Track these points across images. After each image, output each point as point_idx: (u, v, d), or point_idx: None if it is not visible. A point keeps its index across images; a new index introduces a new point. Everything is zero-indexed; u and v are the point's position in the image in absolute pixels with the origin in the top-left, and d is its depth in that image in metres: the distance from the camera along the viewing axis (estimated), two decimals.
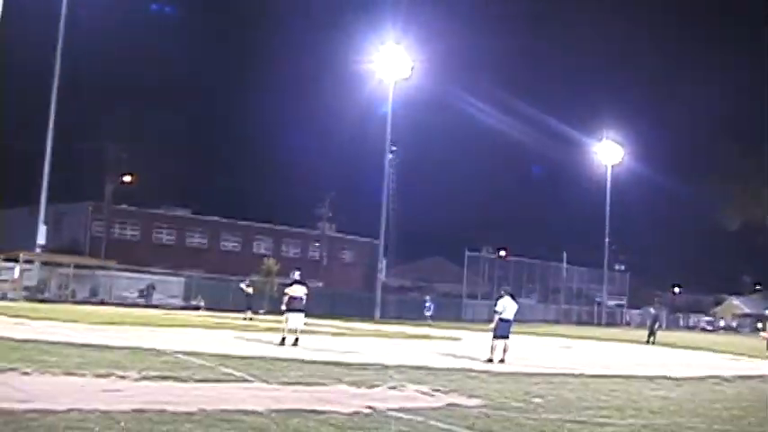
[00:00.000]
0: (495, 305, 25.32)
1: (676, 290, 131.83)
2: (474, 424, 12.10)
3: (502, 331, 24.44)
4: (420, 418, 12.23)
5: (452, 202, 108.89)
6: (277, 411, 11.87)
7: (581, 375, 21.91)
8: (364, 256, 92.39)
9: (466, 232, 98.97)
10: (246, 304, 45.54)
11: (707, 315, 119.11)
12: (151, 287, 61.05)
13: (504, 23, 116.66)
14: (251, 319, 43.53)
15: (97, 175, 76.47)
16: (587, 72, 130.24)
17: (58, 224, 74.64)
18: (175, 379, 14.84)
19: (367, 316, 67.63)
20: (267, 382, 15.51)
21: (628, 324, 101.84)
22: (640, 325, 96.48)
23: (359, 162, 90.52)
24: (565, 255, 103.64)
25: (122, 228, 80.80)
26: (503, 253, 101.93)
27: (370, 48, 74.30)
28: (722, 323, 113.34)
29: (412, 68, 75.07)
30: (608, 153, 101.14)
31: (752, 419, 15.20)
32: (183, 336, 27.61)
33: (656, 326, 49.19)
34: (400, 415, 12.44)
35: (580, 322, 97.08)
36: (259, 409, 11.89)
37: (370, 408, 12.92)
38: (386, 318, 67.99)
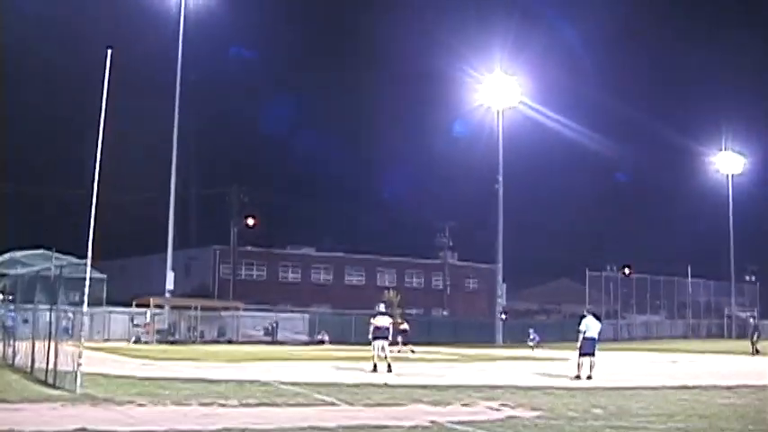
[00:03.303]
0: (579, 324, 26.68)
1: None
2: None
3: (587, 349, 25.88)
4: (474, 429, 13.98)
5: (572, 224, 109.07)
6: (345, 427, 13.83)
7: (661, 388, 23.20)
8: (487, 283, 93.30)
9: (589, 252, 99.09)
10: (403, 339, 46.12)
11: None
12: (275, 324, 63.48)
13: (611, 40, 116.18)
14: (412, 351, 44.15)
15: (223, 220, 79.86)
16: (702, 83, 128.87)
17: (188, 269, 78.21)
18: (270, 405, 16.93)
19: (489, 342, 68.78)
20: (352, 404, 17.46)
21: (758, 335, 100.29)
22: None
23: (474, 190, 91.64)
24: (689, 269, 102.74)
25: (248, 268, 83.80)
26: (626, 271, 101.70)
27: (478, 76, 75.58)
28: None
29: (519, 96, 76.21)
30: (728, 163, 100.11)
31: None
32: (291, 368, 29.70)
33: (756, 336, 49.66)
34: (457, 427, 14.23)
35: (709, 336, 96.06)
36: (331, 425, 13.86)
37: (432, 422, 14.73)
38: (509, 342, 68.74)
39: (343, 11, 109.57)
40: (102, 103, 19.06)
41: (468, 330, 74.00)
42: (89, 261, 18.93)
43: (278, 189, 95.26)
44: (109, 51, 18.85)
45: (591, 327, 26.24)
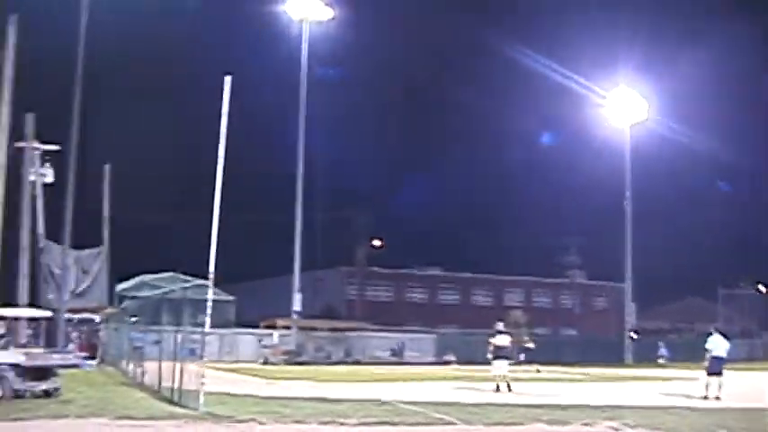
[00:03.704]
0: (706, 343, 26.14)
1: None
2: None
3: (714, 368, 25.35)
4: None
5: (706, 242, 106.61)
6: None
7: None
8: (616, 302, 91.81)
9: (725, 271, 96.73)
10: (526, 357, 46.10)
11: None
12: (401, 345, 63.67)
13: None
14: (538, 371, 44.11)
15: (350, 241, 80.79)
16: None
17: (316, 290, 79.07)
18: (389, 424, 17.06)
19: (618, 361, 67.73)
20: (470, 423, 17.47)
21: None
22: None
23: (602, 207, 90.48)
24: None
25: (375, 289, 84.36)
26: (762, 288, 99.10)
27: (603, 91, 74.76)
28: None
29: (647, 110, 75.03)
30: None
31: None
32: (414, 388, 29.79)
33: None
34: None
35: None
36: None
37: None
38: (640, 361, 67.56)
39: (470, 31, 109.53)
40: (220, 128, 19.55)
41: (597, 350, 72.79)
42: (211, 282, 19.39)
43: (405, 210, 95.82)
44: (228, 78, 19.33)
45: (718, 345, 25.71)
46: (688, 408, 22.00)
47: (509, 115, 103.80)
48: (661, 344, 69.67)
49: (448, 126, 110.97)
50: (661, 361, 63.85)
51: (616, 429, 16.65)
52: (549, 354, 61.35)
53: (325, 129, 73.36)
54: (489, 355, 28.59)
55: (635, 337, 76.27)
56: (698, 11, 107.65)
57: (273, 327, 59.01)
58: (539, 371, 43.37)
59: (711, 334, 26.33)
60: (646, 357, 68.32)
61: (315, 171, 68.61)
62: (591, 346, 75.01)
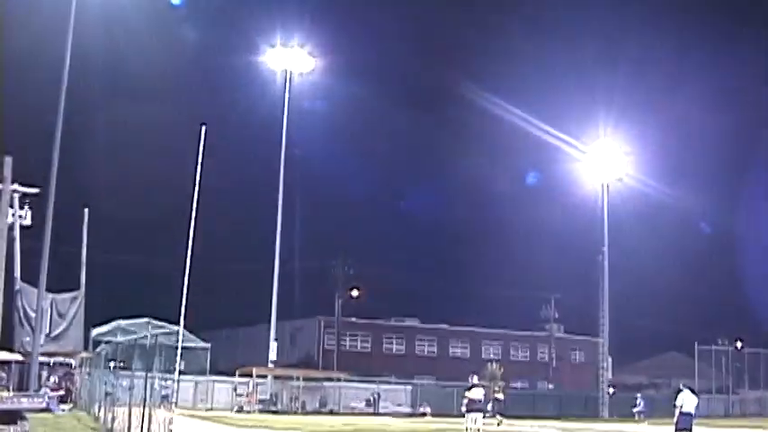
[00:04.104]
0: (675, 399, 26.33)
1: None
2: None
3: (684, 424, 25.54)
4: None
5: (683, 298, 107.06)
6: None
7: None
8: (593, 356, 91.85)
9: (698, 326, 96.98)
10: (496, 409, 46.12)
11: None
12: (377, 396, 63.60)
13: (712, 106, 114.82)
14: (499, 423, 44.18)
15: (327, 291, 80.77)
16: None
17: (294, 339, 79.07)
18: None
19: (595, 415, 67.80)
20: None
21: None
22: None
23: (580, 262, 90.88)
24: None
25: (353, 340, 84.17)
26: (738, 344, 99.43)
27: (582, 146, 75.22)
28: None
29: (625, 167, 75.55)
30: None
31: None
32: None
33: None
34: None
35: None
36: None
37: None
38: (617, 415, 67.56)
39: (441, 76, 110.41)
40: (195, 177, 19.77)
41: (573, 404, 73.03)
42: (181, 329, 19.51)
43: (382, 261, 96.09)
44: (203, 128, 19.58)
45: (687, 401, 25.91)
46: None
47: (487, 169, 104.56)
48: (639, 396, 69.62)
49: (426, 178, 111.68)
50: (637, 415, 63.69)
51: None
52: (525, 407, 61.56)
53: (304, 178, 73.78)
54: (463, 408, 28.85)
55: (612, 391, 76.35)
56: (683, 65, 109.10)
57: (249, 375, 58.95)
58: (500, 423, 43.46)
59: (681, 390, 26.51)
60: (622, 412, 68.35)
61: (294, 220, 69.04)
62: (567, 399, 75.25)
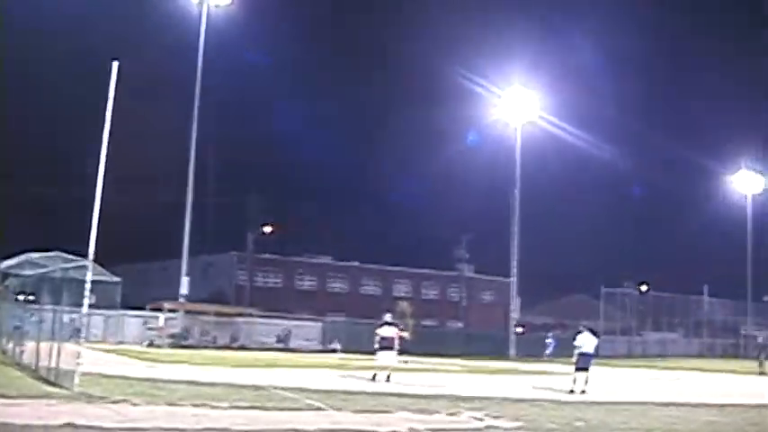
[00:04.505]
0: (575, 340, 27.17)
1: None
2: None
3: (582, 364, 26.38)
4: None
5: (589, 239, 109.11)
6: (325, 430, 14.38)
7: (652, 404, 23.60)
8: (503, 296, 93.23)
9: (606, 269, 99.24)
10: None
11: None
12: (288, 332, 64.14)
13: (631, 57, 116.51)
14: (405, 362, 44.73)
15: (241, 226, 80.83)
16: (721, 101, 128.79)
17: (206, 274, 78.99)
18: (260, 408, 17.50)
19: (503, 354, 69.03)
20: (340, 410, 17.99)
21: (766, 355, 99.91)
22: None
23: (492, 203, 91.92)
24: (706, 288, 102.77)
25: (265, 276, 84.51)
26: (643, 288, 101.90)
27: (498, 90, 75.92)
28: None
29: (537, 111, 76.43)
30: (747, 182, 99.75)
31: None
32: (293, 375, 30.26)
33: (764, 355, 49.81)
34: None
35: (725, 355, 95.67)
36: (312, 428, 14.43)
37: (410, 429, 15.26)
38: (523, 356, 68.85)
39: (360, 23, 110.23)
40: (106, 113, 19.72)
41: (483, 343, 74.17)
42: (90, 262, 19.57)
43: (296, 198, 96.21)
44: (115, 64, 19.49)
45: (586, 342, 26.73)
46: (555, 401, 22.90)
47: (403, 111, 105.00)
48: (550, 337, 71.02)
49: (344, 118, 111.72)
50: (547, 351, 65.12)
51: (479, 420, 17.31)
52: (434, 345, 62.47)
53: (220, 112, 73.33)
54: (375, 345, 29.23)
55: (519, 331, 77.78)
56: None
57: (160, 309, 58.95)
58: (406, 362, 44.15)
59: (581, 332, 27.33)
60: (530, 351, 69.80)
61: (208, 154, 68.68)
62: (476, 339, 76.44)
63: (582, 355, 26.50)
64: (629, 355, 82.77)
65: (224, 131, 78.99)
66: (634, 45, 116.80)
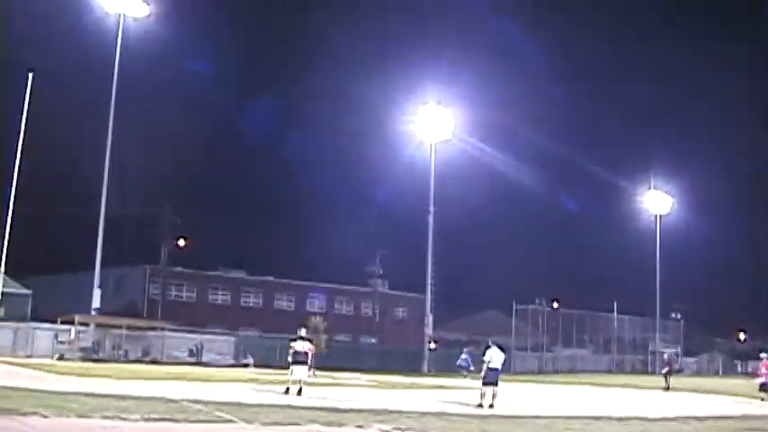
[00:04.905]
0: (484, 355, 27.72)
1: (741, 336, 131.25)
2: None
3: (490, 378, 26.92)
4: None
5: (506, 258, 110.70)
6: None
7: (556, 417, 24.25)
8: (417, 312, 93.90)
9: (522, 287, 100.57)
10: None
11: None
12: (200, 346, 63.90)
13: (544, 77, 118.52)
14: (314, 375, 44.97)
15: (155, 239, 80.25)
16: (633, 122, 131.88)
17: (119, 287, 78.28)
18: (170, 420, 17.64)
19: (415, 370, 69.43)
20: (250, 422, 18.22)
21: (680, 371, 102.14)
22: (696, 372, 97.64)
23: (407, 221, 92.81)
24: (615, 305, 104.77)
25: (179, 290, 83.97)
26: (554, 305, 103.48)
27: (412, 108, 76.63)
28: None
29: (453, 129, 77.31)
30: (656, 202, 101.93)
31: None
32: (205, 388, 30.33)
33: (667, 371, 51.11)
34: None
35: (634, 371, 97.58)
36: None
37: None
38: (437, 371, 69.23)
39: (276, 35, 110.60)
40: (21, 124, 19.77)
41: (396, 358, 74.60)
42: (1, 274, 19.55)
43: (211, 212, 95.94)
44: (30, 75, 19.57)
45: (495, 357, 27.26)
46: (463, 415, 23.37)
47: (316, 128, 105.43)
48: (465, 351, 71.39)
49: (258, 133, 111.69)
50: (465, 372, 65.53)
51: None
52: (348, 360, 62.82)
53: (135, 125, 72.91)
54: (289, 359, 29.51)
55: (432, 347, 78.33)
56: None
57: (71, 322, 58.22)
58: (315, 375, 44.48)
59: (489, 347, 27.88)
60: (443, 367, 70.19)
61: (122, 168, 68.14)
62: (390, 354, 76.93)
63: (490, 369, 27.04)
64: (539, 371, 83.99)
65: (138, 145, 78.50)
66: (552, 62, 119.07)
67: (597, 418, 24.36)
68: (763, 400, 36.97)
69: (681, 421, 25.11)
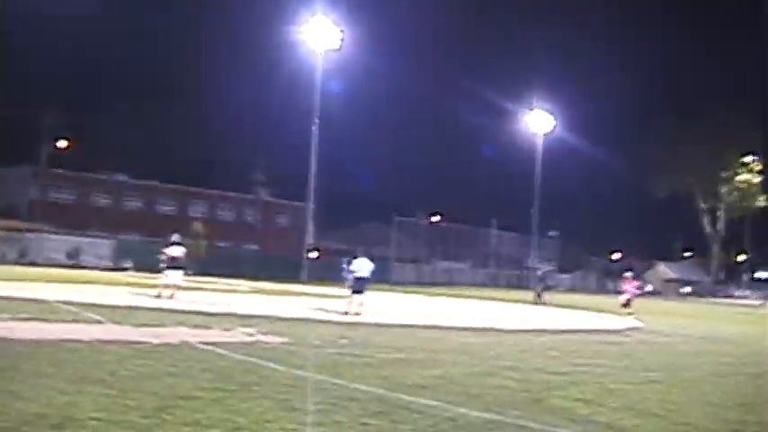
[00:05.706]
0: (351, 264, 28.90)
1: (615, 255, 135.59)
2: (252, 352, 15.57)
3: (357, 287, 28.12)
4: (216, 349, 15.70)
5: (390, 170, 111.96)
6: (100, 341, 15.37)
7: (416, 326, 25.55)
8: (299, 221, 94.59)
9: (403, 199, 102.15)
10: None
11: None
12: (77, 249, 63.85)
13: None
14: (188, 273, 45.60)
15: (37, 140, 79.17)
16: (519, 41, 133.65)
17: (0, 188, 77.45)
18: (41, 320, 18.30)
19: (295, 278, 70.38)
20: (119, 323, 18.99)
21: (553, 287, 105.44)
22: (570, 288, 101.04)
23: (292, 129, 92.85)
24: (495, 221, 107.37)
25: (59, 192, 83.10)
26: (435, 218, 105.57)
27: (300, 18, 76.44)
28: (650, 287, 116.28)
29: (341, 39, 77.42)
30: (539, 122, 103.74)
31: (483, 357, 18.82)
32: (79, 290, 30.90)
33: (542, 287, 53.10)
34: (203, 347, 15.89)
35: (509, 286, 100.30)
36: (85, 338, 15.37)
37: (182, 341, 16.39)
38: (317, 279, 70.05)
39: None
40: None
41: (277, 266, 75.21)
42: None
43: (94, 112, 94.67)
44: None
45: (363, 267, 28.46)
46: (327, 321, 24.53)
47: (210, 30, 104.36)
48: (345, 260, 72.37)
49: (151, 33, 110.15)
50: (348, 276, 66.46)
51: (250, 335, 18.58)
52: (229, 267, 63.61)
53: (17, 24, 71.47)
54: (162, 265, 30.20)
55: (314, 256, 79.32)
56: None
57: None
58: (189, 274, 45.36)
59: (356, 257, 29.05)
60: (322, 275, 71.26)
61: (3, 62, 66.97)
62: (271, 262, 77.64)
63: (358, 279, 28.21)
64: (417, 282, 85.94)
65: (22, 42, 76.91)
66: None
67: (457, 329, 25.67)
68: (629, 314, 38.92)
69: (536, 333, 26.66)
